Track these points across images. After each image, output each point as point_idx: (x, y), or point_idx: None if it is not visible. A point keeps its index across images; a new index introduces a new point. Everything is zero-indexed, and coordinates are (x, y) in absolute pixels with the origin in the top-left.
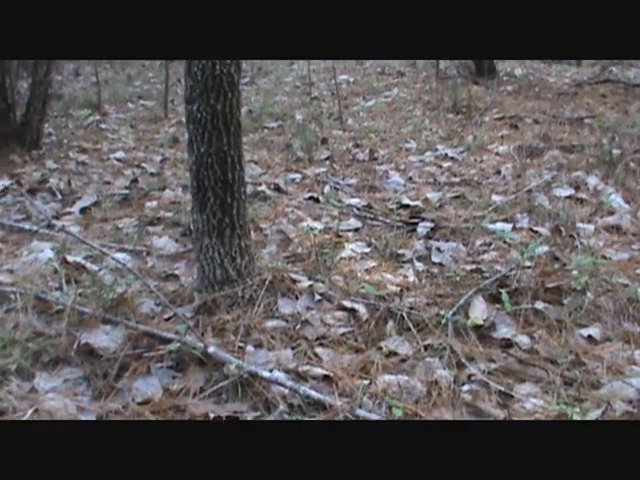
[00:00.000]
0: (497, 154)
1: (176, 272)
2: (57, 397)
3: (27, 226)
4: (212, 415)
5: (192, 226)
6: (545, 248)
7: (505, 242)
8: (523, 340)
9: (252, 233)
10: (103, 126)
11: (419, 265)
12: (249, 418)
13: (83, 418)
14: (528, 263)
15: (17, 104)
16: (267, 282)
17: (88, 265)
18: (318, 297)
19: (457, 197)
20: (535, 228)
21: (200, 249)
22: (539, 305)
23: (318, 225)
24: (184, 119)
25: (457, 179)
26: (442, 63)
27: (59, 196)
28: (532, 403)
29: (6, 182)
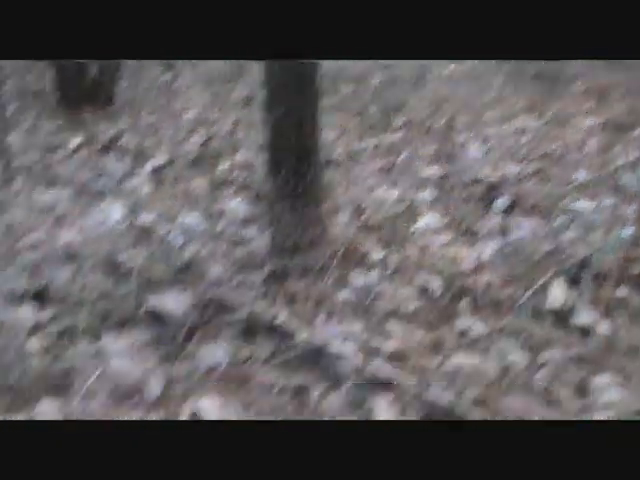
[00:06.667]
0: (581, 128)
1: (247, 237)
2: (124, 360)
3: (98, 186)
4: (277, 387)
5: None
6: (630, 231)
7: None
8: (603, 327)
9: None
10: (177, 84)
11: (495, 242)
12: (316, 392)
13: (150, 382)
14: (612, 246)
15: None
16: (340, 252)
17: (157, 227)
18: (390, 270)
19: (537, 172)
20: (620, 209)
21: (273, 216)
22: (622, 291)
23: (391, 195)
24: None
25: (538, 153)
26: None
27: (131, 155)
28: (610, 395)
29: (79, 139)
